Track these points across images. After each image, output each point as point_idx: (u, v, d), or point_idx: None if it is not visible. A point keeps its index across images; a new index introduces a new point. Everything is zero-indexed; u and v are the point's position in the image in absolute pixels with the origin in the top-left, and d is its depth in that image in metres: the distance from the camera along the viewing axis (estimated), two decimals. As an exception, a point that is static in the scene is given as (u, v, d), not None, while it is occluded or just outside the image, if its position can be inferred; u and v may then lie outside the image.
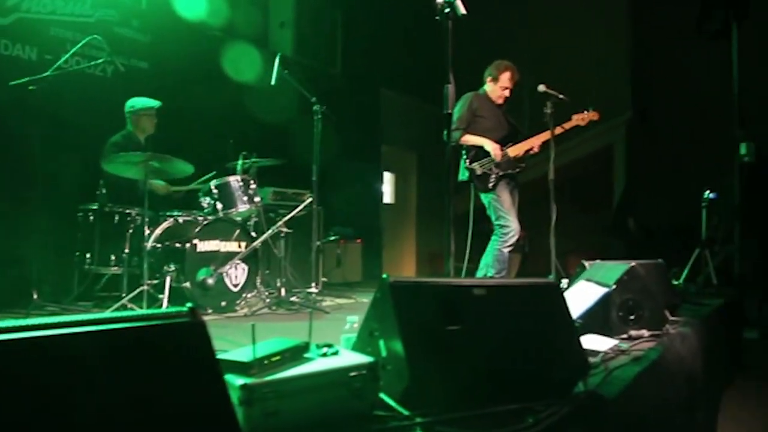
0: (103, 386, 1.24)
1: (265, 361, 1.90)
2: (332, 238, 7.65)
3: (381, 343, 2.18)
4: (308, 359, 2.05)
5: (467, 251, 5.61)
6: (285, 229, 5.98)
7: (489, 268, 5.62)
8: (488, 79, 5.82)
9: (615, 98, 10.03)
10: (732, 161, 7.46)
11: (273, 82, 5.64)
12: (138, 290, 4.66)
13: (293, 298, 5.53)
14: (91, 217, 5.24)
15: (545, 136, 5.50)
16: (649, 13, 9.94)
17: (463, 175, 5.70)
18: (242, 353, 1.92)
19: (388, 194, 11.09)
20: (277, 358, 1.95)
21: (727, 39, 7.54)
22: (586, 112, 5.65)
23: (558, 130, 5.46)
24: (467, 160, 5.65)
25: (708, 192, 7.01)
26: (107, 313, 1.33)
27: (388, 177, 11.08)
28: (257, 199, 5.60)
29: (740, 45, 7.41)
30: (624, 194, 9.64)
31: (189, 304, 1.45)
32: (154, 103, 5.81)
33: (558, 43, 10.57)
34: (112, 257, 5.17)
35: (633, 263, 3.89)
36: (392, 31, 9.63)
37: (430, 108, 10.30)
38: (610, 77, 10.34)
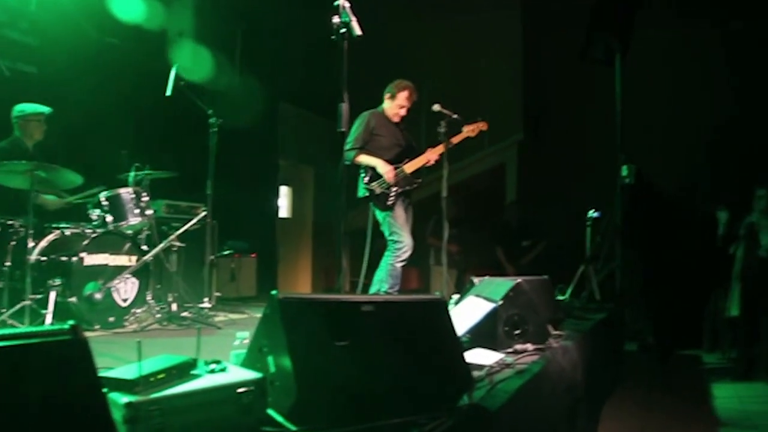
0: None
1: (151, 379, 1.89)
2: (227, 252, 7.56)
3: (270, 359, 2.20)
4: (196, 376, 2.05)
5: (364, 267, 5.68)
6: (178, 243, 5.87)
7: (382, 283, 5.67)
8: (387, 96, 5.92)
9: (507, 120, 10.38)
10: (614, 181, 7.86)
11: (168, 93, 5.55)
12: (19, 305, 4.47)
13: (185, 314, 5.43)
14: (-31, 229, 4.98)
15: (440, 149, 5.64)
16: (540, 39, 10.38)
17: (361, 192, 5.76)
18: (127, 371, 1.90)
19: (284, 208, 11.05)
20: (163, 375, 1.94)
21: (611, 67, 7.94)
22: (475, 123, 5.82)
23: (451, 144, 5.61)
24: (366, 179, 5.72)
25: (592, 211, 7.37)
26: (-16, 331, 1.30)
27: (284, 191, 11.04)
28: (149, 212, 5.48)
29: (623, 73, 7.83)
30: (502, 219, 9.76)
31: (71, 322, 1.44)
32: (44, 109, 5.59)
33: (454, 66, 10.87)
34: (-8, 271, 4.93)
35: (519, 280, 4.04)
36: (292, 45, 9.64)
37: (327, 123, 10.37)
38: (502, 99, 10.70)
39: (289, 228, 10.93)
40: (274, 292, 2.22)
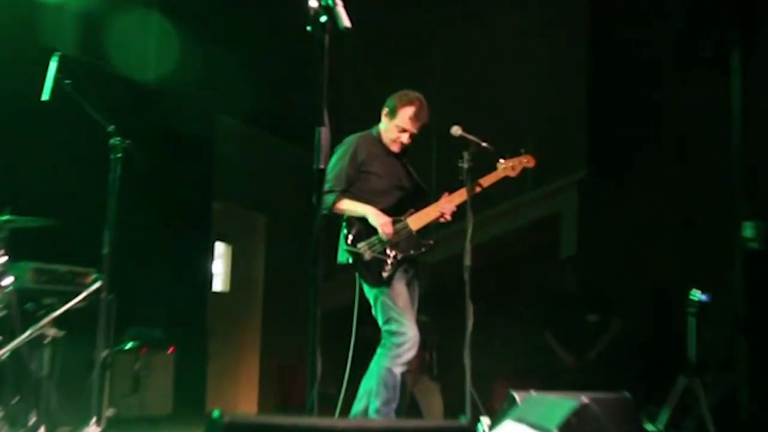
0: None
1: None
2: (129, 344, 7.48)
3: None
4: None
5: (347, 371, 5.57)
6: (52, 331, 5.74)
7: (373, 397, 5.63)
8: (384, 112, 5.91)
9: (563, 152, 10.38)
10: (731, 245, 7.67)
11: (45, 96, 5.50)
12: None
13: (58, 444, 5.36)
14: None
15: (460, 197, 5.68)
16: (613, 37, 10.34)
17: (342, 256, 5.74)
18: None
19: (220, 277, 11.03)
20: None
21: (722, 70, 7.91)
22: (516, 157, 5.90)
23: (478, 188, 5.70)
24: (349, 237, 5.63)
25: (696, 292, 7.15)
26: None
27: (221, 249, 11.03)
28: (7, 280, 5.43)
29: (744, 83, 7.73)
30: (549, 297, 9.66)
31: None
32: None
33: (486, 75, 10.84)
34: None
35: (584, 398, 4.03)
36: (243, 36, 9.71)
37: (289, 149, 10.38)
38: (556, 122, 10.69)
39: (226, 307, 10.92)
40: (216, 412, 2.23)
